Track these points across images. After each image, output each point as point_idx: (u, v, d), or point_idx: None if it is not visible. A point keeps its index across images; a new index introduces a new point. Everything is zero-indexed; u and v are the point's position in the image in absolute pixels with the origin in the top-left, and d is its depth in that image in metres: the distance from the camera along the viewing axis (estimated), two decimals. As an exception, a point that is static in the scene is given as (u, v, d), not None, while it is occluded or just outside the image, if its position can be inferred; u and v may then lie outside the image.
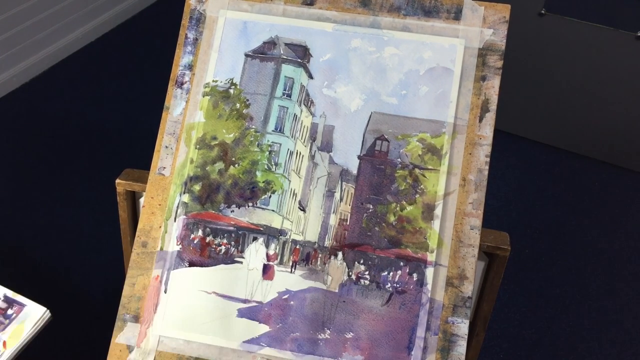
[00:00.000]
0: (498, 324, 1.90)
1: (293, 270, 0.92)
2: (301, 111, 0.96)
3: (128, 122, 2.53)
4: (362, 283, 0.91)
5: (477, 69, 0.93)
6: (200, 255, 0.93)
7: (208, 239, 0.93)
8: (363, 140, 0.94)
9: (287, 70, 0.97)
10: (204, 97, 0.97)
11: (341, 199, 0.93)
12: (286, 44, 0.97)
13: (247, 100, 0.97)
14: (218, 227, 0.94)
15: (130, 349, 0.92)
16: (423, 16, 0.95)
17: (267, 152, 0.95)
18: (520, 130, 2.56)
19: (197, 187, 0.95)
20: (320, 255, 0.92)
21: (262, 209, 0.94)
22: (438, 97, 0.93)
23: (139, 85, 2.72)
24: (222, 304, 0.91)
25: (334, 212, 0.93)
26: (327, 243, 0.92)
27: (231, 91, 0.97)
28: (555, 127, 2.52)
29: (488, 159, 0.91)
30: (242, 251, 0.93)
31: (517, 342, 1.87)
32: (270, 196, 0.94)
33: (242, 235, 0.93)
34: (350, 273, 0.91)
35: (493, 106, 0.92)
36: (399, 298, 0.89)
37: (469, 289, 0.88)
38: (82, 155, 2.35)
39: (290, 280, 0.92)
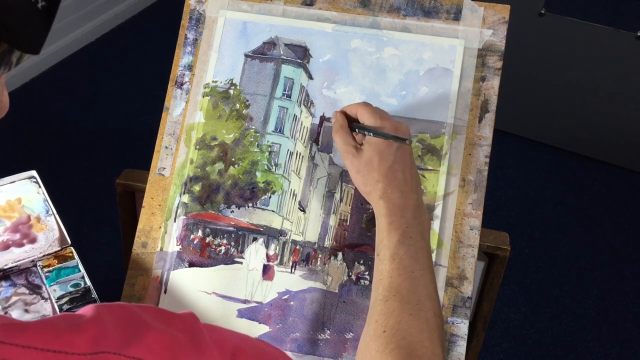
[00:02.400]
0: (498, 324, 1.90)
1: (293, 270, 0.92)
2: (301, 112, 0.96)
3: (128, 122, 2.53)
4: (362, 283, 0.91)
5: (477, 69, 0.93)
6: (200, 255, 0.93)
7: (208, 239, 0.94)
8: (363, 141, 0.93)
9: (287, 70, 0.97)
10: (203, 97, 0.97)
11: (341, 200, 0.93)
12: (286, 45, 0.97)
13: (247, 100, 0.97)
14: (218, 227, 0.94)
15: (130, 349, 0.92)
16: (423, 16, 0.95)
17: (267, 153, 0.95)
18: (520, 130, 2.56)
19: (197, 188, 0.95)
20: (320, 256, 0.92)
21: (262, 209, 0.94)
22: (437, 97, 0.93)
23: (139, 85, 2.72)
24: (222, 304, 0.91)
25: (334, 212, 0.93)
26: (327, 243, 0.92)
27: (231, 92, 0.97)
28: (555, 127, 2.52)
29: (488, 160, 0.91)
30: (242, 252, 0.93)
31: (517, 342, 1.87)
32: (270, 197, 0.94)
33: (242, 236, 0.93)
34: (350, 273, 0.91)
35: (493, 107, 0.92)
36: (399, 298, 0.89)
37: (468, 289, 0.89)
38: (82, 155, 2.35)
39: (290, 280, 0.92)
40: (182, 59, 0.99)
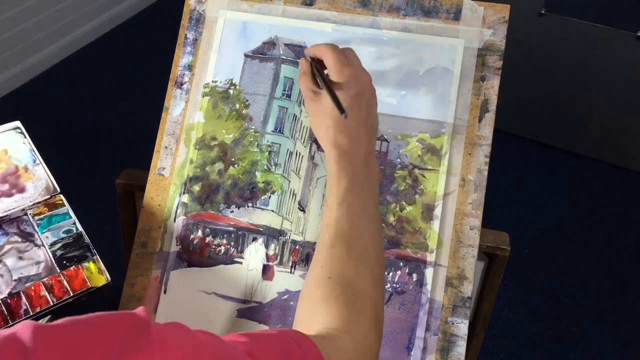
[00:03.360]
0: (498, 324, 1.90)
1: (293, 270, 0.92)
2: (301, 111, 0.96)
3: (128, 122, 2.53)
4: (362, 283, 0.91)
5: (477, 69, 0.93)
6: (200, 255, 0.93)
7: (207, 239, 0.94)
8: (363, 141, 0.93)
9: (287, 70, 0.97)
10: (203, 97, 0.97)
11: (341, 200, 0.93)
12: (286, 44, 0.97)
13: (247, 100, 0.97)
14: (218, 227, 0.94)
15: (130, 349, 0.92)
16: (422, 16, 0.95)
17: (267, 153, 0.95)
18: (520, 130, 2.56)
19: (196, 188, 0.95)
20: (319, 256, 0.92)
21: (262, 209, 0.94)
22: (437, 97, 0.93)
23: (139, 85, 2.72)
24: (221, 304, 0.91)
25: (333, 212, 0.93)
26: (327, 243, 0.92)
27: (231, 92, 0.97)
28: (555, 127, 2.52)
29: (488, 159, 0.91)
30: (242, 252, 0.93)
31: (517, 342, 1.87)
32: (269, 196, 0.94)
33: (241, 236, 0.93)
34: (350, 273, 0.91)
35: (493, 106, 0.92)
36: (399, 298, 0.89)
37: (468, 289, 0.88)
38: (82, 155, 2.35)
39: (290, 280, 0.92)
40: (182, 59, 0.99)
